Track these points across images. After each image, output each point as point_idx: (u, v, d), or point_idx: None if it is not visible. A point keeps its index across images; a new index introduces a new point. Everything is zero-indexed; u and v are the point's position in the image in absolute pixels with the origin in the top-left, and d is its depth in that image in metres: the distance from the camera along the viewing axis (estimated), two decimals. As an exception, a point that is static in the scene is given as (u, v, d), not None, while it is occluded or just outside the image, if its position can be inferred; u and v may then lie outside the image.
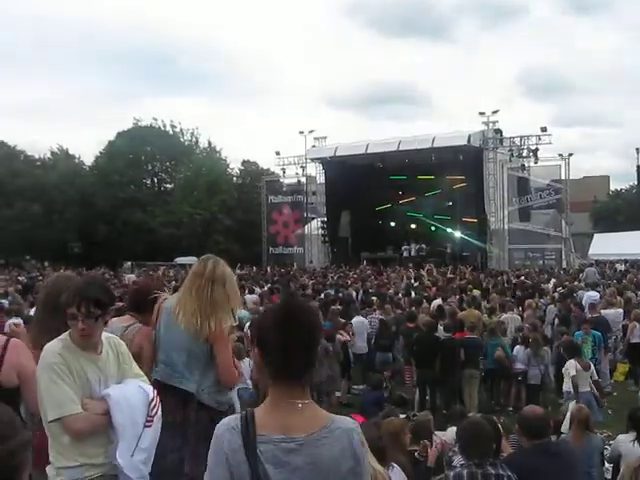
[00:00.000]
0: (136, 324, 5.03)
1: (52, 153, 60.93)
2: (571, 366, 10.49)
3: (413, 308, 15.97)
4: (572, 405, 8.90)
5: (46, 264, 45.60)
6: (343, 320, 14.58)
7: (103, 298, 3.53)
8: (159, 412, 3.70)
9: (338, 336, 13.21)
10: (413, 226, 42.50)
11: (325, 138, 42.66)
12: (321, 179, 43.79)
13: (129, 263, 44.74)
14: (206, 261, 4.75)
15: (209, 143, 62.12)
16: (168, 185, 61.62)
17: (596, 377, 11.25)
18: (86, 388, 3.49)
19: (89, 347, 3.53)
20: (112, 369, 3.63)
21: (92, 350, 3.55)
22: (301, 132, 43.00)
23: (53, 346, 3.50)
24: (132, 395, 3.59)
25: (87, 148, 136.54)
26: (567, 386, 10.49)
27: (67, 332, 3.52)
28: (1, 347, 3.76)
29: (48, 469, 3.51)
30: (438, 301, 16.81)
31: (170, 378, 4.64)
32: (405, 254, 40.01)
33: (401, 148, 36.72)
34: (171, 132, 61.77)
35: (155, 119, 61.58)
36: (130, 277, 28.89)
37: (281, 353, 2.34)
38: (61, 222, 53.03)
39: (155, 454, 3.67)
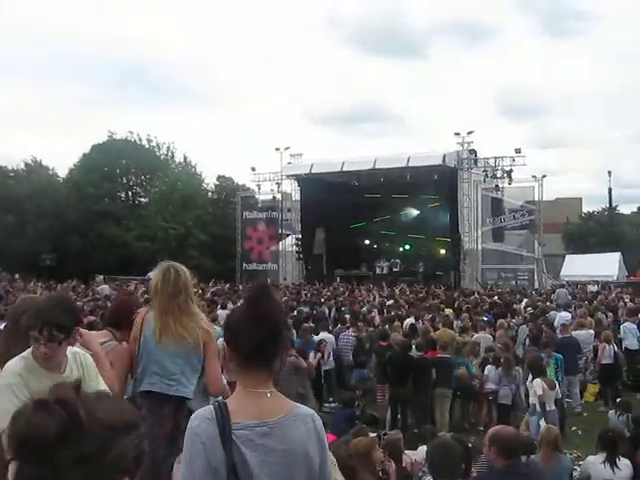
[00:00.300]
0: (112, 342, 5.01)
1: (25, 164, 60.31)
2: (537, 385, 10.58)
3: (386, 326, 16.00)
4: (542, 424, 8.97)
5: (17, 276, 45.08)
6: (317, 337, 14.58)
7: (66, 322, 3.48)
8: None
9: (311, 359, 13.13)
10: (387, 244, 42.73)
11: (301, 155, 42.75)
12: (296, 196, 43.81)
13: (101, 277, 44.32)
14: (167, 271, 4.76)
15: (184, 158, 61.92)
16: (143, 199, 61.22)
17: (560, 396, 11.36)
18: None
19: (52, 366, 3.49)
20: None
21: (55, 369, 3.50)
22: (277, 149, 43.08)
23: (14, 365, 3.47)
24: None
25: (61, 159, 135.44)
26: (533, 399, 10.59)
27: (30, 350, 3.48)
28: None
29: None
30: (411, 320, 16.87)
31: (168, 388, 4.67)
32: (378, 271, 40.14)
33: (377, 166, 36.83)
34: (147, 146, 61.49)
35: (131, 132, 61.26)
36: (103, 288, 28.66)
37: (250, 341, 2.52)
38: (34, 233, 52.46)
39: (146, 465, 3.62)
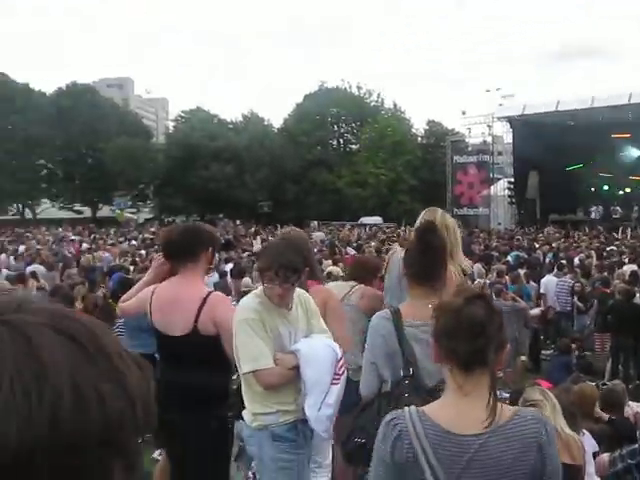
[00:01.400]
0: (359, 285, 5.60)
1: (243, 116, 63.38)
2: None
3: (605, 273, 15.25)
4: None
5: (237, 222, 47.70)
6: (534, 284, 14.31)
7: (299, 265, 3.67)
8: (345, 371, 3.81)
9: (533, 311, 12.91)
10: (604, 187, 40.29)
11: (512, 96, 41.43)
12: (508, 138, 42.49)
13: (315, 222, 45.77)
14: (434, 212, 4.84)
15: (394, 104, 62.28)
16: (353, 146, 62.23)
17: None
18: (278, 342, 3.66)
19: (282, 304, 3.68)
20: (301, 324, 3.78)
21: (284, 306, 3.69)
22: (487, 90, 42.02)
23: (249, 301, 3.72)
24: (321, 353, 3.71)
25: (276, 110, 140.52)
26: None
27: (261, 287, 3.69)
28: (202, 299, 4.01)
29: (244, 414, 3.73)
30: (632, 266, 15.92)
31: None
32: (594, 216, 38.08)
33: (594, 105, 34.76)
34: (357, 93, 62.40)
35: (342, 80, 62.55)
36: (318, 235, 29.59)
37: (418, 264, 3.41)
38: (252, 182, 55.09)
39: None
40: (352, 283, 5.63)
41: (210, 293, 4.13)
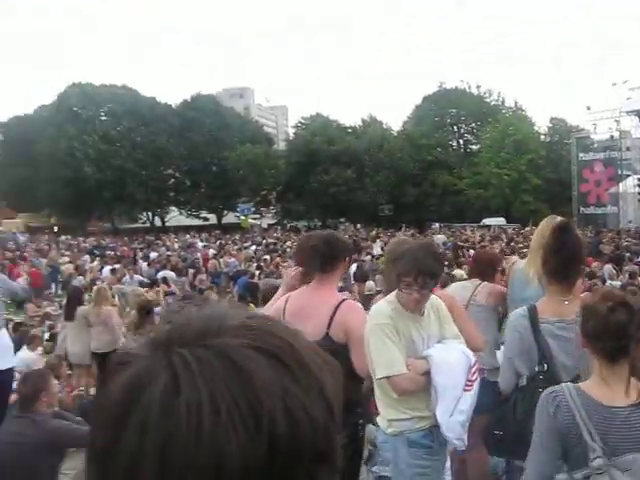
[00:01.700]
0: (483, 283, 5.51)
1: (362, 120, 63.77)
2: None
3: None
4: None
5: (358, 226, 47.93)
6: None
7: (437, 271, 3.69)
8: (478, 377, 3.77)
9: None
10: None
11: (642, 88, 39.54)
12: (637, 133, 40.78)
13: (437, 224, 45.42)
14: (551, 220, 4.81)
15: (515, 102, 61.37)
16: (474, 146, 61.50)
17: None
18: (410, 348, 3.66)
19: (416, 310, 3.69)
20: (434, 329, 3.76)
21: (417, 312, 3.70)
22: (614, 84, 40.33)
23: (382, 308, 3.73)
24: (454, 358, 3.68)
25: (395, 113, 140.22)
26: None
27: (394, 294, 3.70)
28: (335, 306, 4.06)
29: (379, 419, 3.77)
30: None
31: None
32: None
33: None
34: (476, 93, 61.71)
35: (461, 80, 62.09)
36: (439, 238, 29.33)
37: (554, 263, 3.55)
38: (372, 185, 55.31)
39: None
40: (476, 282, 5.54)
41: (343, 300, 4.16)
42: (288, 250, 25.45)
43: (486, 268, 5.65)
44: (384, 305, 3.74)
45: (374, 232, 36.66)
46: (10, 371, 5.94)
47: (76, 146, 54.18)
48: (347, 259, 4.38)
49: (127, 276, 18.15)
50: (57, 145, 54.17)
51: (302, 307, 4.08)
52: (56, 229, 53.61)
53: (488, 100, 61.83)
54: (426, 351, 3.67)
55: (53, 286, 21.58)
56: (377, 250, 24.33)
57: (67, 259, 25.47)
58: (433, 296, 3.85)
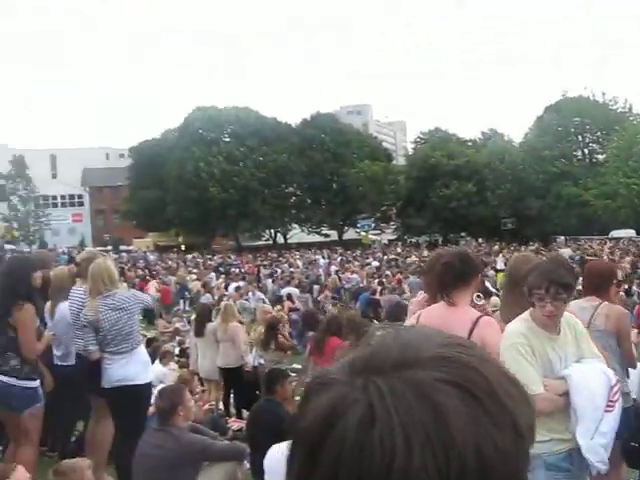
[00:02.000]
0: (603, 304, 4.98)
1: (482, 133, 62.97)
2: None
3: None
4: None
5: (480, 240, 47.18)
6: None
7: (570, 282, 3.57)
8: (620, 397, 3.63)
9: None
10: None
11: None
12: None
13: (562, 238, 44.12)
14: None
15: (643, 108, 58.81)
16: (600, 156, 59.42)
17: None
18: (546, 367, 3.57)
19: (550, 327, 3.59)
20: (570, 348, 3.65)
21: (552, 330, 3.61)
22: None
23: (517, 326, 3.65)
24: (593, 378, 3.56)
25: (516, 125, 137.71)
26: None
27: (528, 312, 3.63)
28: (473, 322, 4.02)
29: None
30: None
31: None
32: None
33: None
34: (601, 101, 59.62)
35: (585, 88, 60.29)
36: (565, 251, 28.45)
37: None
38: (493, 199, 54.44)
39: None
40: (594, 303, 5.11)
41: (481, 316, 4.12)
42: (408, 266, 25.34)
43: (601, 281, 5.13)
44: (518, 324, 3.66)
45: (497, 246, 36.01)
46: (149, 385, 6.22)
47: (202, 167, 56.13)
48: (479, 275, 4.34)
49: (250, 293, 18.59)
50: (184, 167, 56.37)
51: (436, 325, 4.06)
52: (183, 247, 55.49)
53: (614, 107, 59.63)
54: (564, 371, 3.57)
55: (181, 303, 22.33)
56: (500, 265, 23.88)
57: (194, 277, 26.29)
58: (569, 314, 3.74)
